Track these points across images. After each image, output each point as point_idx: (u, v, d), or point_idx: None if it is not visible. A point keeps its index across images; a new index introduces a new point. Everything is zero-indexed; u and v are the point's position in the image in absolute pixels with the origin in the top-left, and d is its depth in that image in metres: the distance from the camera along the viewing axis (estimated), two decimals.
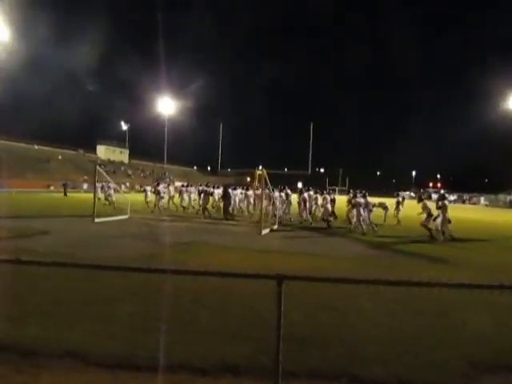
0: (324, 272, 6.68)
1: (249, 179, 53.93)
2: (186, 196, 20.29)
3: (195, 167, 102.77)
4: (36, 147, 60.45)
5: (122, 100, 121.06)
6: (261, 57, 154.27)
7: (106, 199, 22.99)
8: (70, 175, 41.71)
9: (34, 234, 10.45)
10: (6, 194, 28.29)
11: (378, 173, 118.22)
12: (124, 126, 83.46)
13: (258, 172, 16.00)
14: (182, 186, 21.23)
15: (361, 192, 15.34)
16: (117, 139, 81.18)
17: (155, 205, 19.49)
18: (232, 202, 18.57)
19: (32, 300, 4.86)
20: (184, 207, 20.19)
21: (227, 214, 17.42)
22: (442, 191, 24.05)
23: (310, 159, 19.96)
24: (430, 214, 13.18)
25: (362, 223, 13.89)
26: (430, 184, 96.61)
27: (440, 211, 12.77)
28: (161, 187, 20.13)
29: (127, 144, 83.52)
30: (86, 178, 47.49)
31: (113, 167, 63.01)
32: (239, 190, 20.09)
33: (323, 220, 15.69)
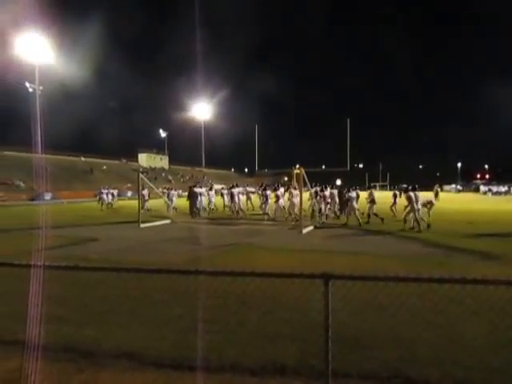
0: (371, 271, 6.53)
1: (286, 178, 53.73)
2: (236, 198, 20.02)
3: (233, 169, 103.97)
4: (83, 159, 63.86)
5: (159, 109, 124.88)
6: (295, 55, 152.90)
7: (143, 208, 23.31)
8: (114, 183, 43.50)
9: (86, 241, 11.03)
10: (58, 205, 30.07)
11: (420, 166, 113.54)
12: (163, 134, 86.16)
13: (296, 171, 15.86)
14: (230, 187, 20.84)
15: (353, 187, 16.38)
16: (156, 147, 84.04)
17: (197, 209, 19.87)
18: (237, 201, 18.85)
19: (88, 304, 5.13)
20: (230, 208, 20.08)
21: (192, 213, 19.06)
22: (405, 185, 23.52)
23: (349, 155, 19.46)
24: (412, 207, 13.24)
25: (356, 215, 14.83)
26: (478, 175, 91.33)
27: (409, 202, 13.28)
28: (202, 190, 20.70)
29: (166, 151, 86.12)
30: (129, 185, 49.46)
31: (154, 174, 65.12)
32: (240, 189, 20.51)
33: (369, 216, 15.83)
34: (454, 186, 69.30)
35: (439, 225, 14.13)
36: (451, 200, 32.84)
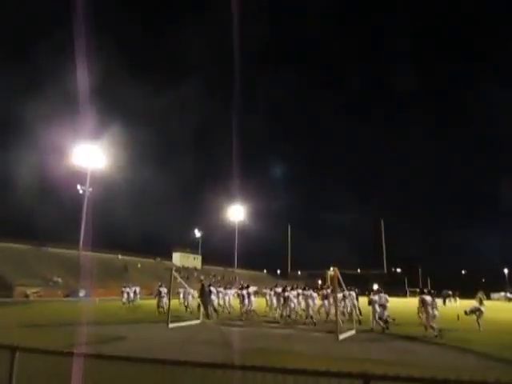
0: None
1: (320, 282, 51.78)
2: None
3: (265, 271, 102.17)
4: (119, 257, 65.58)
5: (196, 209, 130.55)
6: (320, 162, 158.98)
7: (184, 305, 22.99)
8: (147, 282, 43.71)
9: (113, 339, 10.76)
10: (90, 303, 30.11)
11: (463, 271, 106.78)
12: (197, 234, 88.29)
13: (330, 272, 15.42)
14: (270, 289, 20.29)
15: (377, 290, 15.92)
16: (191, 246, 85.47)
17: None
18: (246, 302, 18.14)
19: None
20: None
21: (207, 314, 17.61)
22: (376, 286, 21.81)
23: (385, 256, 18.96)
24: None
25: (377, 320, 14.19)
26: None
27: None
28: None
29: (200, 250, 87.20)
30: (160, 283, 49.26)
31: (187, 273, 65.07)
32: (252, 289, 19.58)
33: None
34: (503, 293, 63.70)
35: (492, 336, 12.75)
36: (502, 309, 29.99)
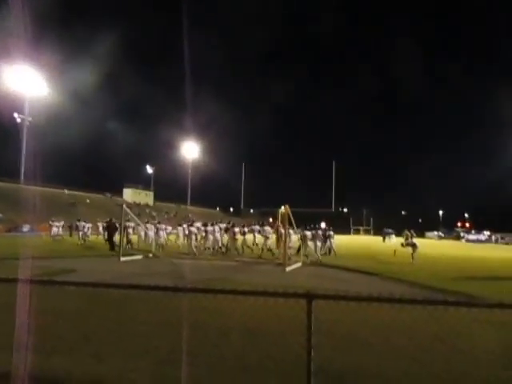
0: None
1: (271, 220, 53.69)
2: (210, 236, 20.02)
3: (218, 208, 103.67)
4: (66, 192, 62.89)
5: (147, 144, 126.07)
6: (283, 93, 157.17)
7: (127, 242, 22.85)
8: (97, 218, 42.75)
9: (64, 272, 10.60)
10: (37, 238, 29.14)
11: (403, 212, 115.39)
12: (149, 170, 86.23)
13: (281, 210, 15.92)
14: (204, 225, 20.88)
15: (309, 226, 18.21)
16: (142, 183, 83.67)
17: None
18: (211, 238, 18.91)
19: (59, 332, 4.85)
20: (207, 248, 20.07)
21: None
22: (323, 224, 25.93)
23: (333, 197, 19.80)
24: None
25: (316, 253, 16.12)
26: (459, 224, 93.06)
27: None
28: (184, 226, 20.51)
29: (152, 187, 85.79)
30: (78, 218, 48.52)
31: (138, 209, 64.34)
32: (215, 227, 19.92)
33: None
34: (435, 232, 70.23)
35: (423, 268, 14.15)
36: (434, 246, 33.26)
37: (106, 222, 22.75)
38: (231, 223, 20.68)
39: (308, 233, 16.78)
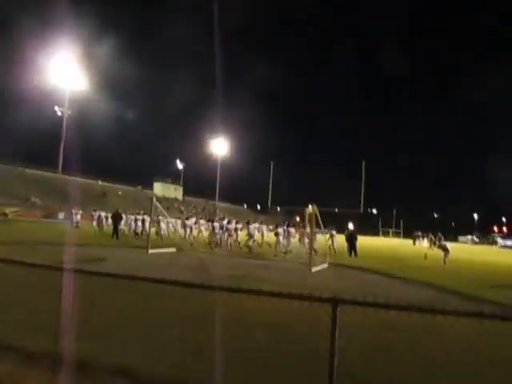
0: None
1: (298, 219, 53.23)
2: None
3: (245, 205, 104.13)
4: (100, 183, 65.14)
5: (178, 140, 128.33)
6: (311, 97, 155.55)
7: (156, 234, 23.25)
8: (127, 209, 44.00)
9: (96, 260, 10.97)
10: (70, 227, 30.38)
11: (436, 215, 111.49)
12: (179, 165, 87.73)
13: (308, 210, 15.74)
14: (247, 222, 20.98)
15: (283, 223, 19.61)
16: (172, 176, 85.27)
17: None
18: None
19: (88, 318, 5.02)
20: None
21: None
22: (351, 225, 25.40)
23: (362, 198, 19.47)
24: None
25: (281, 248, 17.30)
26: (495, 228, 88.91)
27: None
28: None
29: (181, 182, 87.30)
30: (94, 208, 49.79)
31: (167, 203, 65.69)
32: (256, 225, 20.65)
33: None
34: (469, 237, 67.51)
35: (458, 273, 13.64)
36: (467, 251, 31.95)
37: (112, 213, 23.42)
38: (227, 219, 21.12)
39: (334, 232, 16.63)
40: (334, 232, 18.73)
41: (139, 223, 22.84)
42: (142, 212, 24.08)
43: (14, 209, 38.78)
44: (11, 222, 30.08)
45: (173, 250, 16.62)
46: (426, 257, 18.36)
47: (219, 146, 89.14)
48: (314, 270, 12.58)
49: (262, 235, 21.71)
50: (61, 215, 41.30)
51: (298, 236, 20.46)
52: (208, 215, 48.00)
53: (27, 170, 54.31)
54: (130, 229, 24.11)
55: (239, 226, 20.17)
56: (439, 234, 21.58)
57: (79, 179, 56.30)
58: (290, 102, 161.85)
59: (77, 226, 27.49)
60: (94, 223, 25.46)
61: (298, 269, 13.01)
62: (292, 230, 19.48)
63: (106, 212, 27.01)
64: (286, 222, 21.78)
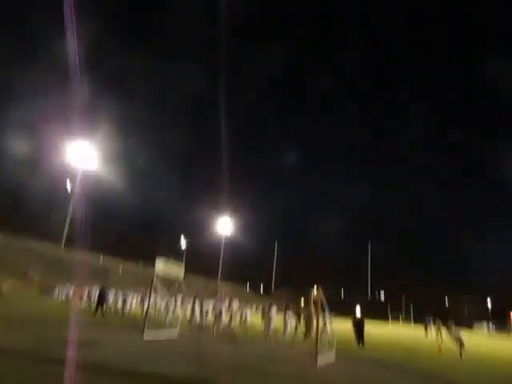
0: None
1: (302, 301, 51.11)
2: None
3: (248, 284, 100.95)
4: (101, 259, 64.47)
5: (182, 217, 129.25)
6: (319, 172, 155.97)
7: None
8: (127, 286, 42.75)
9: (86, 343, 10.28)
10: (60, 302, 29.33)
11: (447, 300, 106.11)
12: (183, 243, 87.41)
13: (313, 293, 14.96)
14: None
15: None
16: (174, 253, 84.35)
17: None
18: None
19: None
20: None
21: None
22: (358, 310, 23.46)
23: (370, 284, 18.83)
24: None
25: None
26: None
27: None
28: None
29: (184, 261, 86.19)
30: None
31: (168, 283, 64.03)
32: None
33: None
34: (485, 324, 63.45)
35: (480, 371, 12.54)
36: (483, 343, 29.77)
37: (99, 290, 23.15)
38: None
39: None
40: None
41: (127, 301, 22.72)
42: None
43: (9, 284, 37.99)
44: (3, 299, 29.23)
45: (174, 333, 15.56)
46: (440, 349, 17.06)
47: (223, 225, 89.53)
48: (319, 363, 11.46)
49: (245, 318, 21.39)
50: (56, 290, 40.42)
51: (302, 322, 19.29)
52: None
53: (29, 243, 54.30)
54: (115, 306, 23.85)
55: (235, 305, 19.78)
56: (450, 320, 19.49)
57: (81, 255, 55.86)
58: (293, 182, 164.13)
59: (67, 301, 27.34)
60: (85, 299, 25.97)
61: (301, 361, 11.96)
62: (290, 312, 18.56)
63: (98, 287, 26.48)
64: (284, 304, 20.78)
